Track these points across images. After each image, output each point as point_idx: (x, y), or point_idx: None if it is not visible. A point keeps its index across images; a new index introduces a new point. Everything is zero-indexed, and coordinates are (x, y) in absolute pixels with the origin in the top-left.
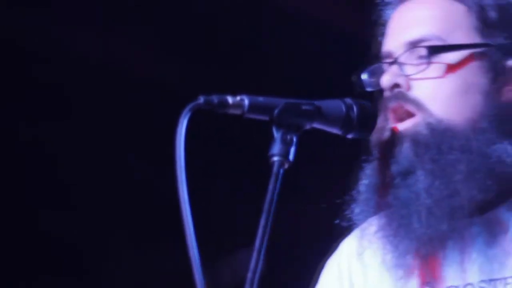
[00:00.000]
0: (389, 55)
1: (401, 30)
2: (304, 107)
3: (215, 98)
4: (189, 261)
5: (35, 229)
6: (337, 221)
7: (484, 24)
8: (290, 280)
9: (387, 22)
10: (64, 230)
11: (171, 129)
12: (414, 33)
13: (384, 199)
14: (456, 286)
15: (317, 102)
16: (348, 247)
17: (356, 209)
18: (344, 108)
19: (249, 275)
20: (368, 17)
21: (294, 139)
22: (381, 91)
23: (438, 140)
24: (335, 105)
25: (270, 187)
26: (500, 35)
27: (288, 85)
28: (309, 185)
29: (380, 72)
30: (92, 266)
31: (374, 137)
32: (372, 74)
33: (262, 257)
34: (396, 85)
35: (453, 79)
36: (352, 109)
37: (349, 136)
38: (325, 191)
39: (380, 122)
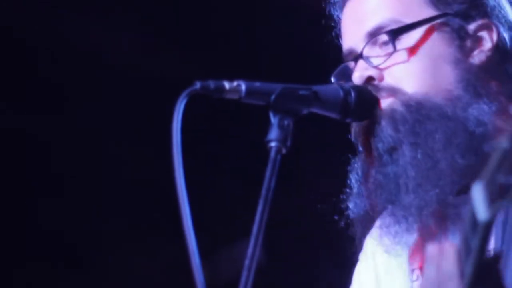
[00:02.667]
0: (351, 52)
1: (356, 25)
2: (301, 92)
3: (211, 83)
4: (187, 252)
5: (31, 222)
6: (336, 217)
7: None
8: (288, 270)
9: (340, 22)
10: (59, 222)
11: (167, 116)
12: (371, 23)
13: (373, 182)
14: None
15: (314, 87)
16: (370, 244)
17: (351, 204)
18: (341, 93)
19: (247, 262)
20: None
21: (292, 124)
22: None
23: (415, 114)
24: (332, 90)
25: (268, 173)
26: (454, 2)
27: (284, 73)
28: (308, 172)
29: (348, 71)
30: (88, 258)
31: (354, 129)
32: (340, 76)
33: (259, 243)
34: (369, 79)
35: (421, 56)
36: (350, 93)
37: (347, 120)
38: (325, 178)
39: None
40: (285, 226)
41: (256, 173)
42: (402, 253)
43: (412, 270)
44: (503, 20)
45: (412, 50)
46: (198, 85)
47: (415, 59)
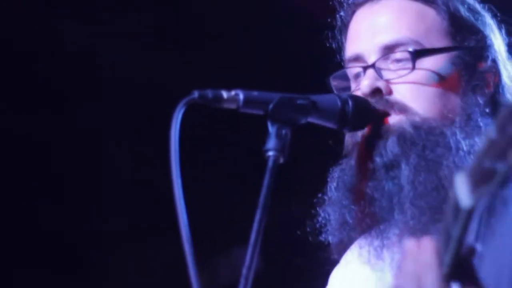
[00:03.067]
0: (358, 58)
1: (371, 33)
2: (299, 102)
3: (209, 93)
4: (184, 257)
5: (30, 223)
6: (308, 223)
7: (455, 28)
8: (286, 277)
9: (348, 24)
10: (59, 225)
11: (165, 123)
12: (389, 37)
13: (361, 194)
14: None
15: (312, 97)
16: (335, 279)
17: (328, 209)
18: (339, 103)
19: (244, 270)
20: None
21: (289, 134)
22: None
23: (423, 137)
24: (330, 99)
25: (265, 182)
26: (470, 38)
27: (281, 81)
28: (305, 180)
29: (347, 75)
30: (88, 259)
31: (349, 139)
32: (340, 78)
33: (257, 252)
34: (377, 90)
35: (435, 82)
36: (347, 103)
37: (344, 130)
38: (323, 187)
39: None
40: (283, 234)
41: (254, 182)
42: (382, 269)
43: None
44: (504, 66)
45: (429, 74)
46: (196, 94)
47: (429, 82)
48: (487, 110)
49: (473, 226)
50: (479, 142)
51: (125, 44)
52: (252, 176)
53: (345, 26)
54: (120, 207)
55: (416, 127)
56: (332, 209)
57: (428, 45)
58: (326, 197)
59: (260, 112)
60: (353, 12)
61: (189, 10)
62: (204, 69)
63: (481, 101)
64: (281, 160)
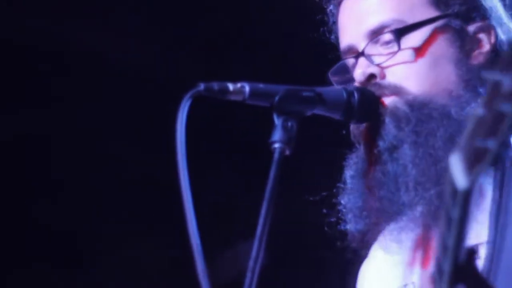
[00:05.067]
0: (350, 49)
1: (357, 22)
2: (304, 94)
3: (215, 85)
4: (190, 253)
5: (31, 222)
6: (324, 211)
7: None
8: (292, 271)
9: (336, 18)
10: (59, 223)
11: (168, 116)
12: (373, 21)
13: (372, 179)
14: None
15: (318, 89)
16: (366, 270)
17: (344, 199)
18: (345, 95)
19: (251, 263)
20: None
21: (295, 126)
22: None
23: (417, 113)
24: (336, 91)
25: (271, 174)
26: (454, 3)
27: (285, 74)
28: (311, 173)
29: (346, 69)
30: (89, 258)
31: (354, 127)
32: (338, 72)
33: (263, 245)
34: (371, 76)
35: (424, 56)
36: (353, 95)
37: (351, 122)
38: (329, 179)
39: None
40: (289, 227)
41: (260, 174)
42: (400, 252)
43: (411, 270)
44: (500, 22)
45: (416, 50)
46: (202, 86)
47: (418, 58)
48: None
49: (491, 223)
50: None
51: (127, 42)
52: (258, 169)
53: (335, 20)
54: (123, 206)
55: (409, 105)
56: (349, 197)
57: (412, 21)
58: (343, 186)
59: (266, 104)
60: (339, 4)
61: (191, 8)
62: (207, 67)
63: (477, 64)
64: (287, 152)
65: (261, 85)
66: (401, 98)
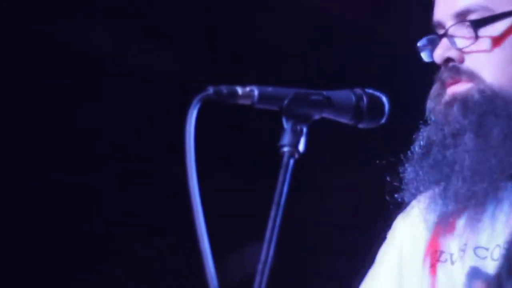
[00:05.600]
0: (439, 25)
1: (448, 0)
2: (313, 97)
3: (224, 89)
4: (196, 255)
5: (31, 224)
6: (389, 179)
7: None
8: (301, 273)
9: None
10: (59, 223)
11: (179, 120)
12: (460, 4)
13: (433, 158)
14: (486, 248)
15: (326, 92)
16: (400, 225)
17: (409, 168)
18: (353, 98)
19: (260, 267)
20: (372, 5)
21: (304, 129)
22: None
23: (486, 104)
24: (344, 95)
25: (280, 178)
26: None
27: (291, 77)
28: (321, 177)
29: (434, 43)
30: (94, 261)
31: (430, 103)
32: (427, 45)
33: (272, 249)
34: (449, 59)
35: (504, 47)
36: (362, 99)
37: (360, 126)
38: (338, 182)
39: (436, 89)
40: (298, 230)
41: (269, 178)
42: (422, 237)
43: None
44: None
45: (497, 40)
46: (211, 90)
47: (498, 49)
48: None
49: None
50: None
51: (129, 43)
52: (268, 173)
53: None
54: (131, 207)
55: (481, 94)
56: (411, 167)
57: (498, 9)
58: (411, 154)
59: (275, 108)
60: None
61: (194, 8)
62: (209, 69)
63: None
64: (296, 156)
65: (269, 89)
66: (475, 85)
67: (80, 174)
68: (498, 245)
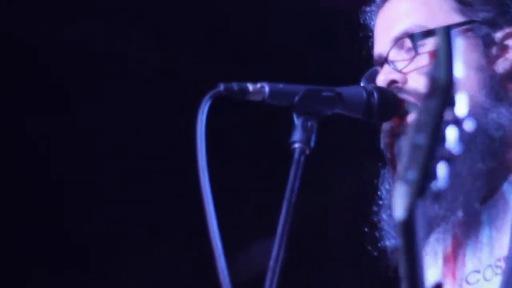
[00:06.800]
0: (380, 57)
1: (385, 31)
2: (324, 94)
3: (235, 85)
4: (209, 252)
5: (31, 223)
6: (366, 229)
7: (463, 3)
8: (311, 270)
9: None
10: (59, 223)
11: (189, 117)
12: (398, 29)
13: None
14: (478, 271)
15: (337, 89)
16: None
17: (384, 215)
18: (364, 94)
19: (271, 263)
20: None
21: (315, 126)
22: None
23: None
24: (355, 91)
25: (291, 174)
26: (481, 10)
27: (302, 74)
28: (332, 173)
29: (375, 75)
30: (98, 261)
31: (385, 138)
32: (369, 79)
33: (284, 245)
34: (393, 82)
35: None
36: (373, 95)
37: (371, 121)
38: (349, 179)
39: (386, 125)
40: (309, 227)
41: (280, 174)
42: (431, 263)
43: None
44: None
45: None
46: (222, 87)
47: None
48: None
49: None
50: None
51: (130, 43)
52: (279, 169)
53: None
54: (131, 206)
55: None
56: (386, 213)
57: (434, 26)
58: (381, 202)
59: (286, 104)
60: (377, 16)
61: (196, 7)
62: (215, 68)
63: (502, 71)
64: (307, 152)
65: (280, 85)
66: None
67: (80, 174)
68: (490, 265)
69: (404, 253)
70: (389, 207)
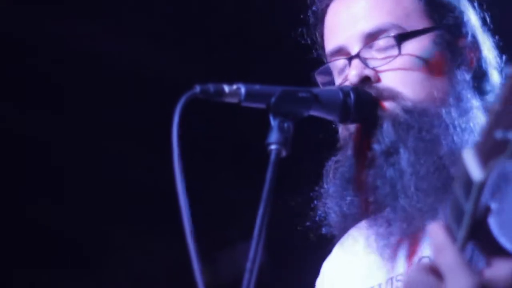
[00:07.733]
0: (341, 50)
1: (349, 24)
2: (301, 95)
3: (211, 87)
4: (188, 252)
5: (30, 222)
6: (308, 222)
7: (431, 7)
8: (290, 271)
9: (324, 18)
10: (59, 223)
11: (167, 118)
12: (369, 25)
13: (362, 183)
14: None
15: (314, 90)
16: (328, 268)
17: (327, 202)
18: (341, 95)
19: (248, 264)
20: None
21: (292, 127)
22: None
23: (417, 120)
24: (332, 92)
25: (268, 175)
26: (447, 16)
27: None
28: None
29: (332, 70)
30: (92, 259)
31: (344, 129)
32: (324, 73)
33: (260, 246)
34: (366, 78)
35: (421, 64)
36: (349, 96)
37: (347, 122)
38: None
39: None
40: (286, 227)
41: (256, 176)
42: (378, 251)
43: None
44: (483, 41)
45: (414, 57)
46: (197, 88)
47: (416, 65)
48: (475, 85)
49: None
50: (483, 117)
51: (126, 43)
52: (255, 170)
53: (320, 21)
54: (123, 207)
55: (408, 111)
56: (331, 201)
57: (409, 28)
58: (323, 190)
59: (262, 106)
60: (327, 6)
61: (191, 8)
62: (206, 68)
63: (467, 78)
64: (284, 154)
65: (257, 86)
66: (398, 103)
67: (79, 174)
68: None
69: (469, 214)
70: (334, 196)
